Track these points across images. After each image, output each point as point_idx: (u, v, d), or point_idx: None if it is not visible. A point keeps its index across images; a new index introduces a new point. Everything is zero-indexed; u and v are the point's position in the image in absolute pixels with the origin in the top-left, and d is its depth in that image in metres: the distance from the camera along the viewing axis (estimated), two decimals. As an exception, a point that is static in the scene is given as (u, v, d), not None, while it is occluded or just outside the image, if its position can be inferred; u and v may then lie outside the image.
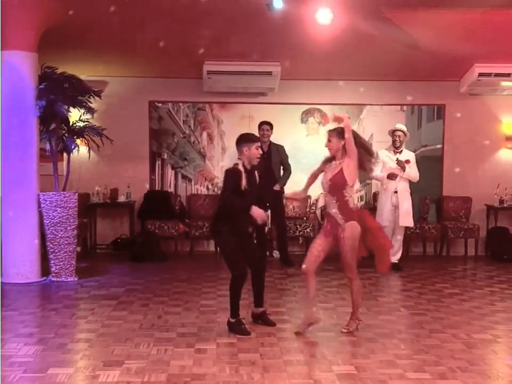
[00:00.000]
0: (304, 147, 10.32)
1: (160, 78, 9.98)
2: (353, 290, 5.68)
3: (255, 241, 5.87)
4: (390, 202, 8.87)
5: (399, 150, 8.91)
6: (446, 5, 7.49)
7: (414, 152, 9.54)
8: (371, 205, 10.27)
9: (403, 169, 8.78)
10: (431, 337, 5.66)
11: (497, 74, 9.55)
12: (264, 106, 10.24)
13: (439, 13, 7.72)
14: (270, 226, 9.53)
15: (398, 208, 8.85)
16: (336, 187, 5.54)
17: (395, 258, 8.96)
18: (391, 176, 8.79)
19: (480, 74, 9.56)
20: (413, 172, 8.90)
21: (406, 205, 8.88)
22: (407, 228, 9.32)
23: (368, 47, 8.75)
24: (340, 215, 5.52)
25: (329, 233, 5.61)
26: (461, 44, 8.54)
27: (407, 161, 8.84)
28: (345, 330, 5.70)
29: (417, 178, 8.97)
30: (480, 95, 10.26)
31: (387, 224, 8.90)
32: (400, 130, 8.89)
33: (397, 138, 8.87)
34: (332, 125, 10.25)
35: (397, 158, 8.81)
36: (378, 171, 9.00)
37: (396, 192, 8.85)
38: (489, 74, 9.56)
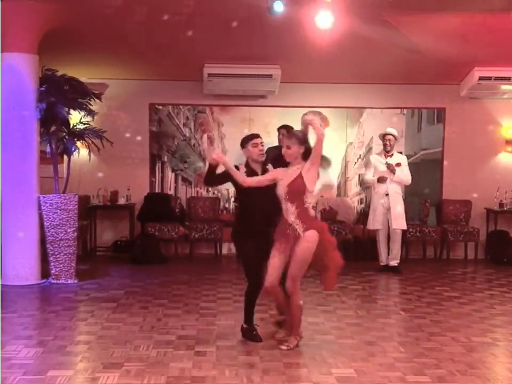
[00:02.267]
0: (304, 150, 10.33)
1: (161, 81, 9.99)
2: (292, 305, 5.22)
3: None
4: (382, 205, 8.90)
5: (390, 154, 8.95)
6: (446, 9, 7.49)
7: (414, 155, 9.55)
8: (371, 208, 10.29)
9: (392, 172, 8.82)
10: (430, 341, 5.65)
11: (497, 78, 9.57)
12: (264, 109, 10.26)
13: (439, 17, 7.72)
14: None
15: (390, 211, 8.90)
16: (296, 193, 5.15)
17: (394, 261, 8.98)
18: (381, 180, 8.84)
19: (480, 78, 9.57)
20: (404, 175, 8.93)
21: (398, 207, 8.92)
22: (405, 231, 9.33)
23: (368, 50, 8.76)
24: (299, 223, 5.10)
25: (284, 249, 5.16)
26: (461, 47, 8.55)
27: (398, 165, 8.87)
28: (285, 348, 5.28)
29: (409, 182, 9.02)
30: (480, 98, 10.27)
31: (380, 227, 8.95)
32: (391, 134, 8.94)
33: (387, 142, 8.92)
34: (331, 130, 10.32)
35: (386, 162, 8.85)
36: (370, 175, 9.06)
37: (387, 195, 8.89)
38: (489, 78, 9.57)
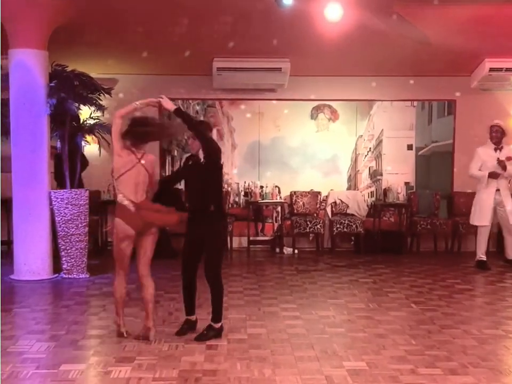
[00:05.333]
0: (314, 143, 10.33)
1: (170, 75, 9.97)
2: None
3: None
4: (493, 201, 8.67)
5: (499, 147, 8.73)
6: (456, 0, 7.45)
7: (424, 147, 9.49)
8: (381, 201, 10.26)
9: (504, 168, 8.59)
10: (442, 333, 5.64)
11: (508, 69, 9.52)
12: (273, 103, 10.25)
13: (449, 8, 7.68)
14: None
15: (503, 207, 8.64)
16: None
17: None
18: (493, 176, 8.61)
19: (491, 69, 9.53)
20: (511, 168, 8.69)
21: (511, 202, 8.69)
22: (417, 223, 9.29)
23: (378, 42, 8.72)
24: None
25: None
26: (471, 39, 8.50)
27: (508, 158, 8.62)
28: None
29: None
30: (491, 90, 10.21)
31: (487, 224, 8.69)
32: (498, 126, 8.67)
33: (494, 134, 8.68)
34: (341, 123, 10.32)
35: (498, 158, 8.62)
36: (475, 168, 8.76)
37: (497, 190, 8.67)
38: (500, 69, 9.52)
